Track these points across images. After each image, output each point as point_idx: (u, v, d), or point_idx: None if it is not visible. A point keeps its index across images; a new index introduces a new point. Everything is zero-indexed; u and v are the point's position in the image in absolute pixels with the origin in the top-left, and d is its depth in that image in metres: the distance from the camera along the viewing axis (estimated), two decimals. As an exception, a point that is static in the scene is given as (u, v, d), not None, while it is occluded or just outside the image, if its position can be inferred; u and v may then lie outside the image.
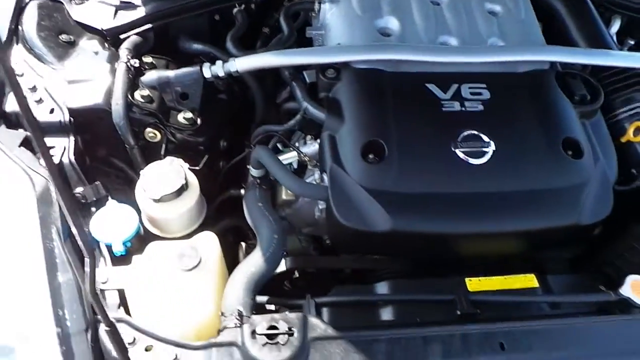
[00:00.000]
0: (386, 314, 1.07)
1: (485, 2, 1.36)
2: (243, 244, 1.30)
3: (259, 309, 1.10)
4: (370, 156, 1.08)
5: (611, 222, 1.23)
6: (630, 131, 1.25)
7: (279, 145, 1.28)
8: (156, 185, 1.09)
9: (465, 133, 1.11)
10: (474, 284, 1.12)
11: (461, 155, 1.09)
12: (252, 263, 1.08)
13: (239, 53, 1.27)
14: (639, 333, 0.97)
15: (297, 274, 1.28)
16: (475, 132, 1.11)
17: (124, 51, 1.23)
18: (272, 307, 1.15)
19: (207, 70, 1.20)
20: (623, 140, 1.28)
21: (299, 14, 1.46)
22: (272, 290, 1.28)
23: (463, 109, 1.15)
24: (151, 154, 1.24)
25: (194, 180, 1.17)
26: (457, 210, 1.05)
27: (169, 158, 1.15)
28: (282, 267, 1.28)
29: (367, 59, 1.18)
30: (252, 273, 1.05)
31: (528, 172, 1.08)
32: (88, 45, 1.26)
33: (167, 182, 1.10)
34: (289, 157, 1.25)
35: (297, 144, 1.28)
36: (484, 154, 1.09)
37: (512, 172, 1.08)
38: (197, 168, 1.22)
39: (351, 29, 1.26)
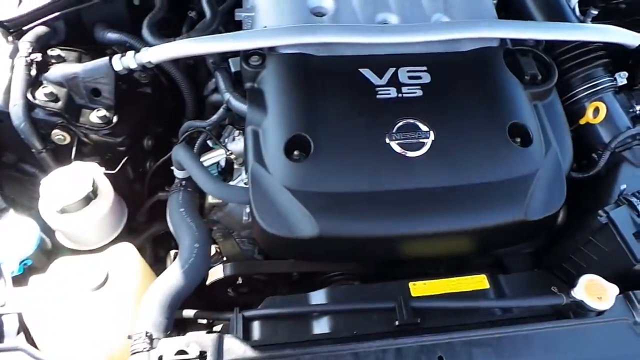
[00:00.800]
0: (321, 326, 0.97)
1: (429, -26, 1.23)
2: (172, 252, 1.19)
3: (186, 325, 1.01)
4: (295, 153, 0.97)
5: (571, 213, 1.13)
6: (589, 112, 1.14)
7: (209, 143, 1.17)
8: (58, 195, 0.98)
9: (401, 122, 1.00)
10: (419, 288, 1.01)
11: (396, 147, 0.98)
12: (169, 277, 0.97)
13: (156, 41, 1.15)
14: (591, 340, 0.88)
15: (240, 280, 1.18)
16: (412, 121, 1.00)
17: (24, 44, 1.10)
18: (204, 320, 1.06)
19: (118, 63, 1.08)
20: (581, 122, 1.17)
21: None
22: (214, 298, 1.19)
23: (400, 95, 1.03)
24: (65, 157, 1.13)
25: (105, 187, 1.06)
26: (392, 210, 0.94)
27: (76, 163, 1.03)
28: (219, 274, 1.18)
29: (293, 43, 1.06)
30: (169, 288, 0.95)
31: (470, 164, 0.97)
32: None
33: (70, 191, 0.98)
34: (216, 155, 1.14)
35: (226, 140, 1.17)
36: (421, 145, 0.98)
37: (452, 164, 0.97)
38: (112, 172, 1.10)
39: (280, 10, 1.14)
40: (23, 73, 1.06)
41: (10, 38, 1.14)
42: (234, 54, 1.12)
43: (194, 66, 1.32)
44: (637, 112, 1.19)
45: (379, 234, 0.95)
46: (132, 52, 1.08)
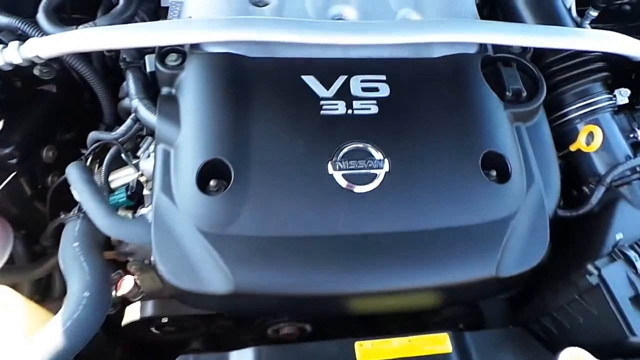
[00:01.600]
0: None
1: (400, -42, 1.01)
2: None
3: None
4: (212, 183, 0.76)
5: (555, 252, 0.94)
6: (582, 137, 0.95)
7: (124, 157, 0.95)
8: None
9: (349, 147, 0.79)
10: (366, 352, 0.82)
11: (341, 180, 0.77)
12: (48, 337, 0.76)
13: (54, 29, 0.92)
14: None
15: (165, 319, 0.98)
16: (363, 146, 0.80)
17: None
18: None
19: None
20: (572, 148, 0.97)
21: None
22: (135, 338, 0.99)
23: (350, 111, 0.82)
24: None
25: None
26: (330, 262, 0.74)
27: None
28: (136, 314, 0.98)
29: (221, 39, 0.84)
30: (47, 354, 0.74)
31: (432, 204, 0.77)
32: None
33: None
34: (125, 175, 0.92)
35: (142, 156, 0.95)
36: (373, 177, 0.78)
37: (409, 203, 0.77)
38: (-7, 192, 0.89)
39: (212, -3, 0.92)
40: None
41: None
42: (153, 49, 0.90)
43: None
44: (639, 137, 1.00)
45: (312, 292, 0.74)
46: (17, 43, 0.86)
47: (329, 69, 0.85)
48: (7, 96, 0.92)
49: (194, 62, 0.84)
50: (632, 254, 0.79)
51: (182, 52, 0.86)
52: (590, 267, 0.79)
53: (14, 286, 1.03)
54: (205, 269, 0.73)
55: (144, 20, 1.00)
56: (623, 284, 0.77)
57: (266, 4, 0.93)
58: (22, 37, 0.92)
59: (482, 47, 0.93)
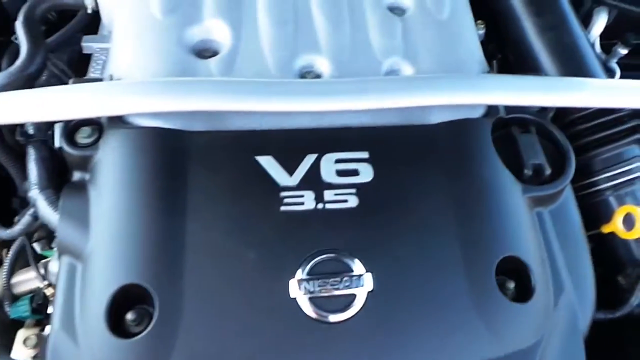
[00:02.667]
0: None
1: (385, -9, 0.81)
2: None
3: None
4: (129, 317, 0.55)
5: None
6: (618, 219, 0.75)
7: (29, 258, 0.74)
8: None
9: (317, 259, 0.59)
10: None
11: (307, 306, 0.57)
12: None
13: None
14: None
15: None
16: (337, 256, 0.59)
17: None
18: None
19: None
20: (605, 230, 0.77)
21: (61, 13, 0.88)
22: None
23: (320, 205, 0.62)
24: None
25: None
26: None
27: None
28: None
29: (147, 110, 0.63)
30: None
31: (430, 336, 0.57)
32: None
33: None
34: (30, 280, 0.71)
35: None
36: (351, 300, 0.58)
37: (399, 335, 0.57)
38: None
39: (144, 43, 0.70)
40: None
41: None
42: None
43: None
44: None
45: None
46: None
47: (293, 145, 0.64)
48: None
49: (113, 140, 0.63)
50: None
51: (98, 125, 0.65)
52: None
53: None
54: None
55: (62, 71, 0.79)
56: None
57: (214, 54, 0.72)
58: None
59: (492, 107, 0.73)
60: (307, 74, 0.73)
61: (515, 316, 0.59)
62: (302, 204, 0.61)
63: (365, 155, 0.65)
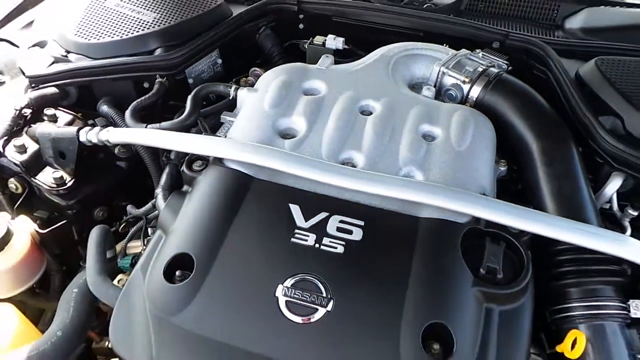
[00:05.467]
0: None
1: (425, 124, 1.10)
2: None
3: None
4: (177, 273, 0.87)
5: None
6: (568, 341, 0.86)
7: (142, 232, 1.14)
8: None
9: (300, 277, 0.85)
10: None
11: (283, 305, 0.82)
12: (11, 357, 0.90)
13: (131, 123, 1.18)
14: None
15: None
16: (313, 280, 0.84)
17: (24, 98, 1.22)
18: None
19: (83, 134, 1.13)
20: (558, 349, 0.88)
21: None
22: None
23: (317, 245, 0.89)
24: (18, 204, 1.18)
25: (20, 242, 1.07)
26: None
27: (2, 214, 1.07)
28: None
29: (236, 159, 1.00)
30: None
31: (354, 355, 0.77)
32: (11, 87, 1.28)
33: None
34: (137, 246, 1.09)
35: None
36: (312, 312, 0.81)
37: (337, 350, 0.78)
38: (43, 231, 1.12)
39: (249, 123, 1.10)
40: (8, 121, 1.16)
41: (30, 91, 1.28)
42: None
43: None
44: (647, 361, 0.87)
45: None
46: (98, 128, 1.13)
47: (316, 203, 0.94)
48: (87, 163, 1.18)
49: (211, 171, 1.01)
50: None
51: (206, 161, 1.04)
52: None
53: (36, 310, 1.22)
54: (141, 345, 0.82)
55: (205, 129, 1.23)
56: None
57: (292, 137, 1.08)
58: (111, 124, 1.20)
59: (475, 218, 0.94)
60: (346, 162, 1.04)
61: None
62: (306, 240, 0.89)
63: (361, 223, 0.92)
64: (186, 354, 0.80)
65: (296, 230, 0.91)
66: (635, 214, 1.08)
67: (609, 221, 1.14)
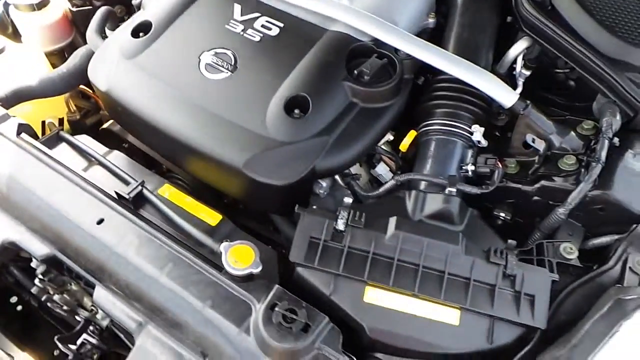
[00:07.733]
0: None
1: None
2: None
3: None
4: (141, 34, 1.21)
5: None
6: (407, 138, 1.10)
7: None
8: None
9: (221, 50, 1.15)
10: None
11: (202, 64, 1.13)
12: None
13: None
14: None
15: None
16: (230, 53, 1.14)
17: None
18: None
19: None
20: (401, 147, 1.14)
21: None
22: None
23: (242, 33, 1.18)
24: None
25: (56, 9, 1.46)
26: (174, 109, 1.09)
27: None
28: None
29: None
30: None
31: (240, 108, 1.08)
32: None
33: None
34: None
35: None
36: (218, 72, 1.12)
37: (230, 100, 1.08)
38: (74, 9, 1.50)
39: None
40: None
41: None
42: None
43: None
44: (469, 172, 1.08)
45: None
46: None
47: (255, 6, 1.21)
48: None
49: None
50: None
51: None
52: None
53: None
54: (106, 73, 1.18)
55: None
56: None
57: None
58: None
59: (375, 40, 1.15)
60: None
61: (292, 125, 1.04)
62: (236, 28, 1.19)
63: (281, 25, 1.18)
64: (134, 85, 1.15)
65: (231, 20, 1.20)
66: (528, 73, 1.23)
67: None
